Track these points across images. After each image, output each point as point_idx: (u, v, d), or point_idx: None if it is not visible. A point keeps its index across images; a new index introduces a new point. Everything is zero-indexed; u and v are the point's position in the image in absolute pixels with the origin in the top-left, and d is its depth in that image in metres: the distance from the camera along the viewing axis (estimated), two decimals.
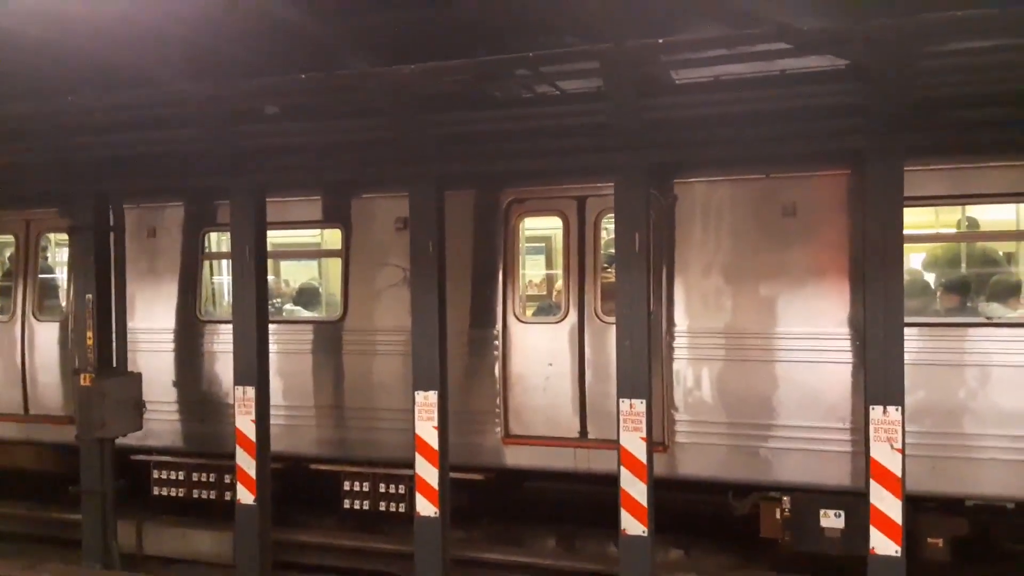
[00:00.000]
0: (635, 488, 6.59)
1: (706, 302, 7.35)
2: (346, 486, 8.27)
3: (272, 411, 7.83)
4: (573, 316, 7.78)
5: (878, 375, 6.07)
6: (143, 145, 7.67)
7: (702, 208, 7.37)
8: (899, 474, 6.00)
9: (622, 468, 6.63)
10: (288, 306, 9.53)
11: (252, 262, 7.55)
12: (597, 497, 7.66)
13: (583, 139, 6.61)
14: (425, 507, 7.04)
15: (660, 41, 5.77)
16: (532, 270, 8.65)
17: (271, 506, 7.67)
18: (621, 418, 6.63)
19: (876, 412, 6.03)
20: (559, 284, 8.13)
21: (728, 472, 7.26)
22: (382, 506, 8.14)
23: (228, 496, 8.34)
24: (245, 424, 7.54)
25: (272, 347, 7.92)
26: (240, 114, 7.25)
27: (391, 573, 7.80)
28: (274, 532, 7.75)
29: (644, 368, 6.59)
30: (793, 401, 7.09)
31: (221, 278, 9.40)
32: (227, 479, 8.42)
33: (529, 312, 8.29)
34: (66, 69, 6.51)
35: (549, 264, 9.44)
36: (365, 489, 8.20)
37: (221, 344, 8.71)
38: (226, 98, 6.86)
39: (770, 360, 7.15)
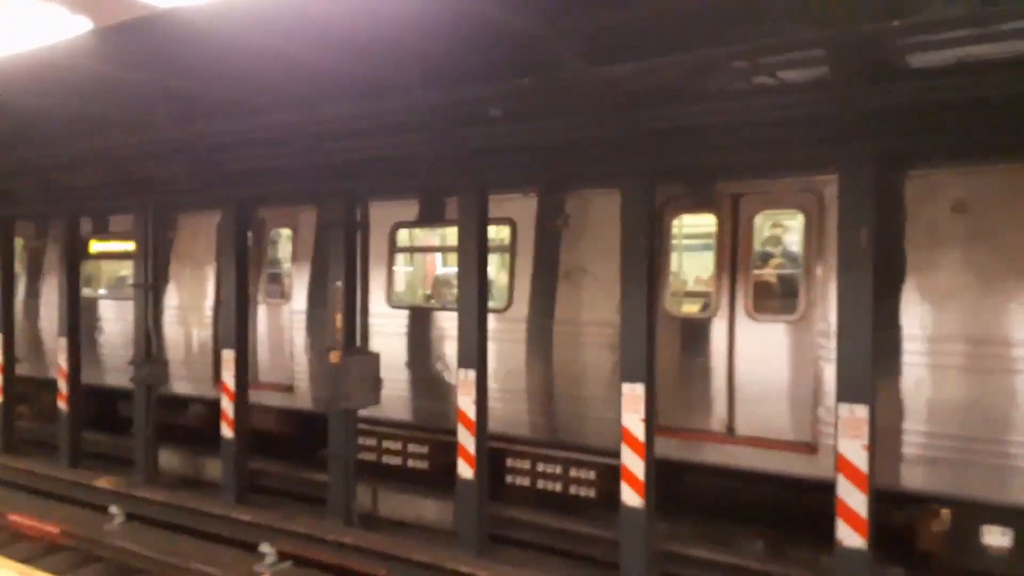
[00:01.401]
0: (854, 498, 6.25)
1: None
2: (508, 463, 8.95)
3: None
4: (725, 314, 7.67)
5: None
6: (383, 149, 8.50)
7: (939, 201, 6.74)
8: None
9: (840, 476, 6.33)
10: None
11: (476, 254, 8.12)
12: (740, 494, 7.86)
13: (803, 130, 6.36)
14: (631, 497, 7.17)
15: (896, 24, 5.42)
16: (689, 267, 8.87)
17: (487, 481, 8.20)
18: (841, 424, 6.32)
19: None
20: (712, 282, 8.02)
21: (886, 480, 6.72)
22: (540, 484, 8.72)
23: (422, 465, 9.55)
24: (467, 404, 8.12)
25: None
26: (466, 117, 7.81)
27: (596, 558, 7.99)
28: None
29: (867, 372, 6.23)
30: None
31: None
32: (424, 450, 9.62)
33: (683, 308, 8.40)
34: (318, 82, 7.44)
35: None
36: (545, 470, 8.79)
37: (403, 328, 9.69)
38: (454, 104, 7.43)
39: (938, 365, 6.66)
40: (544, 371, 8.56)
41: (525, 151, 7.86)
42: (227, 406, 10.15)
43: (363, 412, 9.23)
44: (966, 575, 6.74)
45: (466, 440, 8.12)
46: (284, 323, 10.89)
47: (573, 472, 8.56)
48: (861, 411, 6.22)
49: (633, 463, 7.15)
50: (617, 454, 7.26)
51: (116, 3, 5.29)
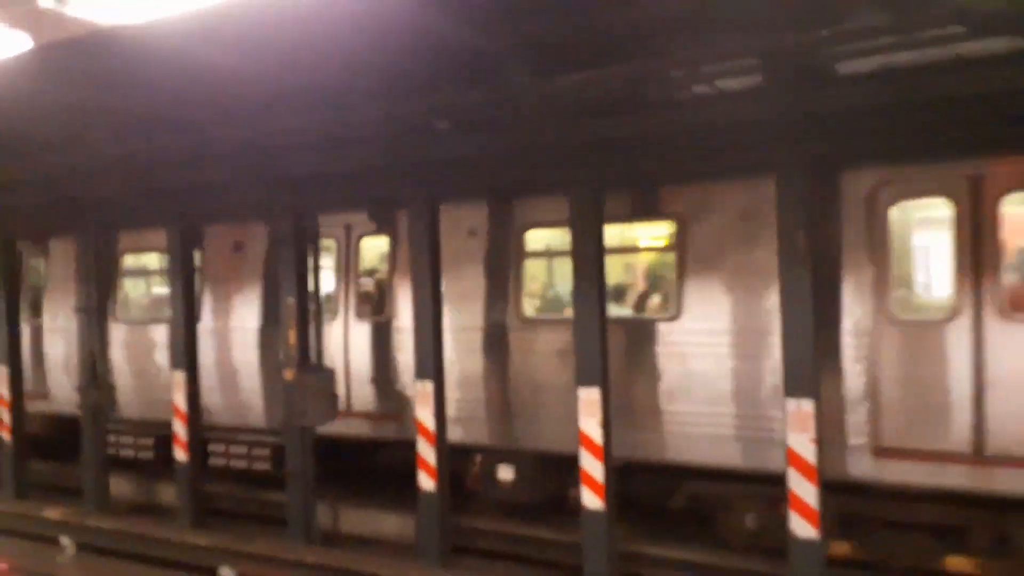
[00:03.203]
0: (804, 489, 6.47)
1: None
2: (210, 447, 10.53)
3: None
4: (342, 318, 9.76)
5: None
6: (332, 162, 8.46)
7: None
8: None
9: (790, 469, 6.54)
10: None
11: (429, 266, 8.15)
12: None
13: (740, 137, 6.57)
14: (591, 500, 7.27)
15: (824, 33, 5.66)
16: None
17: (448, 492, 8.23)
18: (789, 419, 6.54)
19: None
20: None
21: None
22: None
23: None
24: (426, 416, 8.13)
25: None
26: (414, 130, 7.85)
27: (559, 562, 8.09)
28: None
29: (810, 368, 6.46)
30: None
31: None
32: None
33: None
34: (264, 95, 7.41)
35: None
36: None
37: None
38: (402, 116, 7.47)
39: None
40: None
41: (474, 162, 7.94)
42: (179, 429, 9.96)
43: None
44: (489, 503, 8.85)
45: (426, 452, 8.14)
46: (44, 338, 12.03)
47: (255, 451, 10.22)
48: (807, 405, 6.44)
49: (592, 467, 7.26)
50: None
51: (56, 21, 5.21)
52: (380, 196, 9.07)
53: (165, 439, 10.56)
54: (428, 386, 8.13)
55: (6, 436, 11.49)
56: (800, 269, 6.43)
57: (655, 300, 8.45)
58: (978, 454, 6.47)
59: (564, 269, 8.97)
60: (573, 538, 7.67)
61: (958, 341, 6.54)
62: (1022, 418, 6.30)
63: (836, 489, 6.84)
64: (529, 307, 8.76)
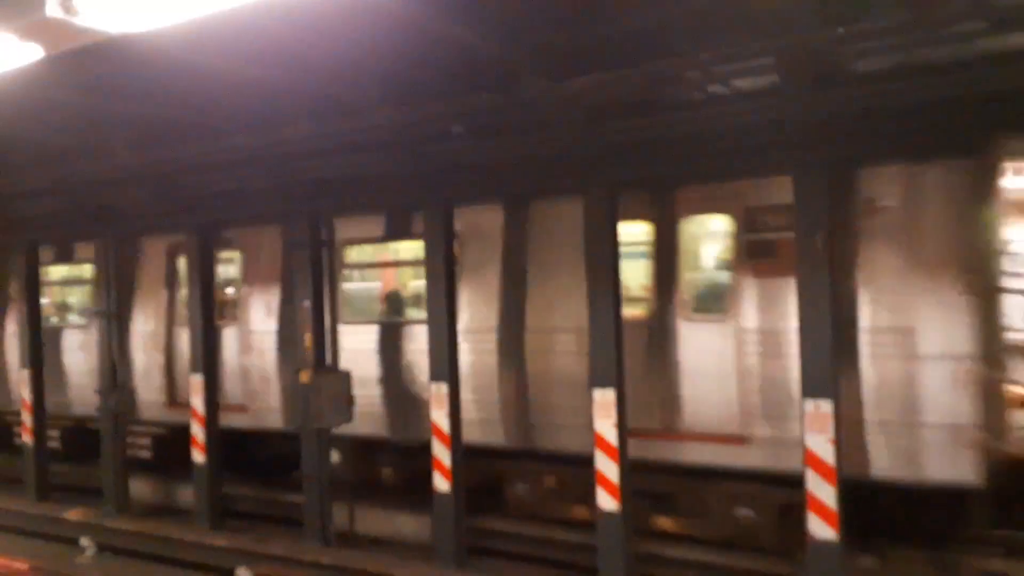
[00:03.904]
0: (823, 491, 6.42)
1: None
2: None
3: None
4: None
5: None
6: (348, 168, 8.51)
7: None
8: None
9: (808, 470, 6.50)
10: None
11: (443, 269, 8.18)
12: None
13: (757, 137, 6.55)
14: (607, 502, 7.26)
15: (840, 31, 5.63)
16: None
17: (464, 494, 8.23)
18: (807, 419, 6.50)
19: None
20: None
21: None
22: None
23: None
24: (440, 418, 8.16)
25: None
26: (429, 135, 7.87)
27: (574, 563, 8.07)
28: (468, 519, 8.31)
29: (828, 368, 6.42)
30: None
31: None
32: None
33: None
34: (279, 103, 7.45)
35: None
36: None
37: None
38: (417, 122, 7.50)
39: None
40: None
41: (489, 167, 7.95)
42: (197, 431, 10.04)
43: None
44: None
45: (441, 453, 8.15)
46: None
47: (138, 440, 11.28)
48: (825, 405, 6.40)
49: (607, 468, 7.25)
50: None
51: (66, 30, 5.27)
52: (395, 201, 9.11)
53: (70, 431, 12.20)
54: (443, 388, 8.15)
55: (28, 439, 11.63)
56: (818, 270, 6.39)
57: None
58: (668, 430, 7.78)
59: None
60: (589, 539, 7.66)
61: (655, 337, 7.95)
62: (704, 400, 7.59)
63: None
64: (346, 311, 9.85)
